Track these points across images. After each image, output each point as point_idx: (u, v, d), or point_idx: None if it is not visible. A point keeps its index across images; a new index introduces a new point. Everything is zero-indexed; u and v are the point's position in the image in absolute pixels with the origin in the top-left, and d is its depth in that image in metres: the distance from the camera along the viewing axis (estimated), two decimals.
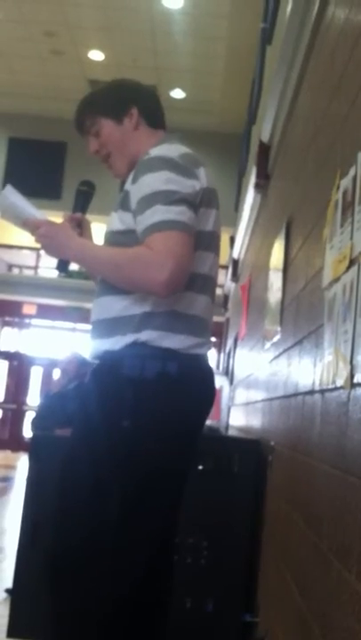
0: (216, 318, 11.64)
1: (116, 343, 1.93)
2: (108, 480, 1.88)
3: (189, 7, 9.69)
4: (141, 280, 1.86)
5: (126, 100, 2.16)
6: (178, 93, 12.35)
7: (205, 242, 1.99)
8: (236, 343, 7.27)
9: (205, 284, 2.02)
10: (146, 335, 1.90)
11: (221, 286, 11.29)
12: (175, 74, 11.71)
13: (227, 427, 7.40)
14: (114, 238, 2.01)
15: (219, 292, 12.76)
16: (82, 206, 2.21)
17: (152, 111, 2.19)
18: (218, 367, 11.70)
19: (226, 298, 11.37)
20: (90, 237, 2.18)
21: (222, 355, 11.90)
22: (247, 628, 3.12)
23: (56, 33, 10.73)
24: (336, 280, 1.75)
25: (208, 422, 7.30)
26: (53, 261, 2.17)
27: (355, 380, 1.46)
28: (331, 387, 1.72)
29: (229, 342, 9.23)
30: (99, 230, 2.11)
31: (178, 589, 2.10)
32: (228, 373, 8.47)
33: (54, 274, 13.41)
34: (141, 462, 1.88)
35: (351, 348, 1.50)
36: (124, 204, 1.98)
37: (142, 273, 1.84)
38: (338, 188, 1.84)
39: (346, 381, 1.52)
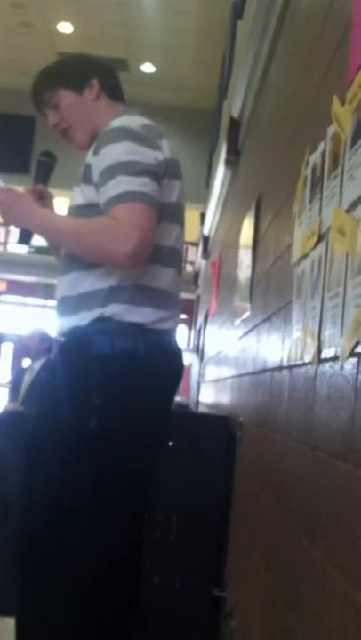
0: (187, 295, 11.66)
1: (82, 319, 1.92)
2: (77, 457, 1.87)
3: None
4: (105, 251, 1.84)
5: (86, 71, 2.14)
6: (148, 67, 12.24)
7: (170, 213, 1.98)
8: (207, 320, 7.28)
9: (171, 256, 2.00)
10: (111, 309, 1.89)
11: (192, 263, 11.29)
12: (146, 48, 11.59)
13: (197, 403, 7.43)
14: (76, 213, 1.99)
15: (189, 268, 12.75)
16: (43, 177, 2.17)
17: (112, 83, 2.17)
18: (188, 344, 11.72)
19: (196, 275, 11.37)
20: (53, 210, 2.15)
21: (193, 332, 11.92)
22: (216, 602, 3.15)
23: (24, 5, 10.56)
24: (305, 256, 1.74)
25: (178, 399, 7.34)
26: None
27: (322, 356, 1.46)
28: (299, 362, 1.72)
29: (200, 319, 9.24)
30: (65, 206, 2.08)
31: (147, 565, 2.11)
32: (199, 350, 8.50)
33: (24, 250, 13.30)
34: (111, 439, 1.87)
35: (319, 324, 1.50)
36: (85, 177, 1.96)
37: (106, 244, 1.83)
38: (307, 163, 1.83)
39: (313, 357, 1.52)
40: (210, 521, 3.27)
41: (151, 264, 1.92)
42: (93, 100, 2.11)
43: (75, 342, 1.95)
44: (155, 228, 1.87)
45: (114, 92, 2.16)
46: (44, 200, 2.14)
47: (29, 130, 12.97)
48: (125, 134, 1.90)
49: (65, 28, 11.28)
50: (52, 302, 2.16)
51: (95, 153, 1.92)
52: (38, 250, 12.97)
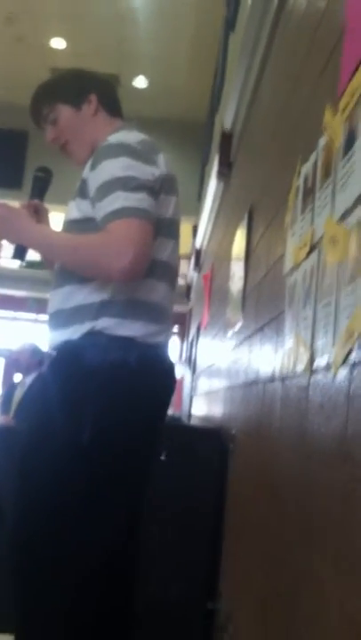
0: (179, 308, 11.65)
1: (74, 332, 1.92)
2: (70, 470, 1.86)
3: None
4: (101, 266, 1.84)
5: (85, 86, 2.15)
6: (141, 82, 12.28)
7: (165, 229, 1.98)
8: (199, 332, 7.28)
9: (165, 271, 2.01)
10: (102, 323, 1.89)
11: (184, 276, 11.30)
12: (138, 62, 11.64)
13: (189, 416, 7.41)
14: (71, 227, 1.99)
15: (182, 281, 12.75)
16: (39, 193, 2.18)
17: (110, 99, 2.18)
18: (181, 357, 11.71)
19: (189, 287, 11.37)
20: (48, 225, 2.16)
21: (185, 344, 11.92)
22: (210, 615, 3.13)
23: (17, 19, 10.58)
24: (297, 267, 1.75)
25: (170, 412, 7.31)
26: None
27: (315, 365, 1.46)
28: (291, 372, 1.72)
29: (192, 332, 9.24)
30: (60, 222, 2.08)
31: (141, 577, 2.10)
32: (191, 363, 8.49)
33: (15, 264, 13.29)
34: (103, 452, 1.87)
35: (311, 334, 1.50)
36: (81, 192, 1.96)
37: (102, 259, 1.83)
38: (299, 174, 1.84)
39: (306, 366, 1.52)
40: (204, 533, 3.25)
41: (146, 278, 1.92)
42: (91, 115, 2.12)
43: (66, 356, 1.95)
44: (151, 243, 1.87)
45: (112, 107, 2.17)
46: (40, 215, 2.14)
47: (22, 145, 12.97)
48: (122, 150, 1.90)
49: (58, 43, 11.32)
50: (44, 317, 2.15)
51: (92, 168, 1.93)
52: (30, 264, 12.96)
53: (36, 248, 2.04)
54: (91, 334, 1.89)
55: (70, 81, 2.19)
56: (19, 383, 5.96)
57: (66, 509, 1.85)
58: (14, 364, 6.05)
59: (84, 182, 1.96)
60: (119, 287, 1.89)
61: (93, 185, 1.90)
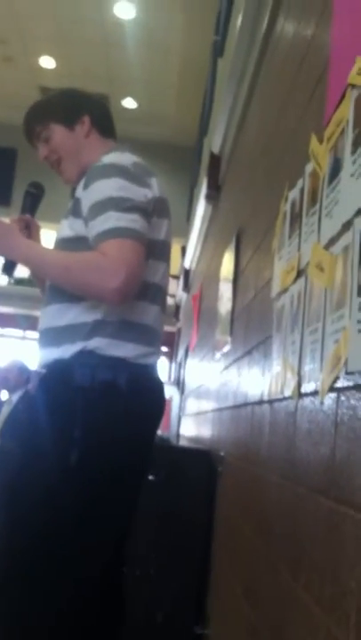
0: (167, 328, 11.64)
1: (65, 351, 1.91)
2: (59, 490, 1.85)
3: (142, 18, 9.71)
4: (93, 286, 1.84)
5: (78, 107, 2.16)
6: (130, 103, 12.36)
7: (157, 251, 1.99)
8: (188, 353, 7.28)
9: (157, 293, 2.01)
10: (94, 343, 1.89)
11: (173, 296, 11.31)
12: (127, 83, 11.71)
13: (178, 437, 7.39)
14: (63, 245, 1.99)
15: (170, 302, 12.77)
16: (30, 208, 2.18)
17: (103, 120, 2.20)
18: (169, 377, 11.69)
19: (177, 308, 11.38)
20: (39, 241, 2.16)
21: (173, 365, 11.91)
22: (197, 639, 3.11)
23: (7, 39, 10.65)
24: (284, 291, 1.76)
25: (159, 432, 7.24)
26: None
27: (302, 390, 1.47)
28: (279, 397, 1.73)
29: (180, 352, 9.23)
30: (50, 239, 2.08)
31: (128, 601, 2.09)
32: (179, 383, 8.48)
33: (4, 281, 13.26)
34: (92, 472, 1.86)
35: (299, 359, 1.51)
36: (74, 211, 1.97)
37: (94, 278, 1.83)
38: (286, 199, 1.85)
39: (294, 391, 1.53)
40: (191, 556, 3.24)
41: (138, 300, 1.93)
42: (84, 136, 2.14)
43: (56, 374, 1.94)
44: (143, 264, 1.87)
45: (105, 128, 2.19)
46: (31, 231, 2.15)
47: (11, 162, 13.01)
48: (116, 171, 1.91)
49: (47, 62, 11.39)
50: (32, 334, 2.15)
51: (85, 187, 1.93)
52: (18, 281, 12.95)
53: (25, 264, 2.03)
54: (82, 354, 1.89)
55: (64, 101, 2.20)
56: (5, 401, 5.93)
57: (54, 528, 1.84)
58: (2, 381, 6.02)
59: (76, 201, 1.97)
60: (112, 308, 1.90)
61: (86, 204, 1.91)
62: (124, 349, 1.90)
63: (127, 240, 1.81)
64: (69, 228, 1.98)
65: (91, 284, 1.84)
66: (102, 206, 1.85)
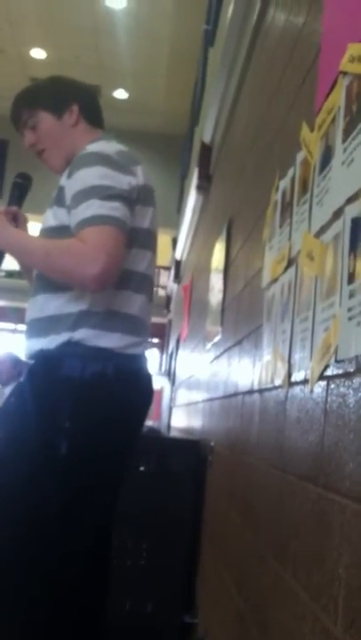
0: (159, 319, 11.65)
1: (51, 342, 1.91)
2: (46, 480, 1.85)
3: (133, 8, 9.68)
4: (72, 272, 1.84)
5: (67, 95, 2.14)
6: (121, 94, 12.33)
7: (142, 239, 1.98)
8: (178, 344, 7.28)
9: (142, 282, 2.01)
10: (80, 334, 1.89)
11: (164, 287, 11.30)
12: (118, 74, 11.68)
13: (168, 427, 7.40)
14: (47, 235, 1.98)
15: (162, 293, 12.76)
16: (17, 199, 2.17)
17: (92, 109, 2.18)
18: (160, 368, 11.69)
19: (168, 299, 11.38)
20: (26, 232, 2.15)
21: (164, 356, 11.91)
22: (187, 628, 3.12)
23: None
24: (275, 280, 1.76)
25: (149, 423, 7.27)
26: None
27: (292, 379, 1.47)
28: (269, 386, 1.73)
29: (172, 343, 9.24)
30: (37, 229, 2.07)
31: (117, 591, 2.09)
32: (170, 374, 8.48)
33: None
34: (81, 462, 1.86)
35: (289, 348, 1.51)
36: (58, 200, 1.96)
37: (73, 265, 1.82)
38: (277, 188, 1.85)
39: (284, 380, 1.53)
40: (181, 545, 3.25)
41: (122, 290, 1.92)
42: (72, 125, 2.12)
43: (44, 365, 1.94)
44: (123, 252, 1.87)
45: (93, 118, 2.17)
46: (18, 222, 2.14)
47: (2, 153, 12.97)
48: (100, 159, 1.91)
49: (38, 53, 11.34)
50: (23, 327, 2.14)
51: (69, 176, 1.93)
52: (9, 274, 12.92)
53: (11, 252, 2.03)
54: (68, 345, 1.89)
55: (53, 89, 2.18)
56: None
57: (39, 519, 1.84)
58: None
59: (60, 190, 1.96)
60: (97, 298, 1.89)
61: (70, 193, 1.90)
62: (111, 340, 1.90)
63: (107, 227, 1.81)
64: (53, 217, 1.97)
65: (69, 270, 1.84)
66: (85, 194, 1.85)
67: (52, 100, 2.12)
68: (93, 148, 1.96)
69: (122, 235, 1.84)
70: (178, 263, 8.62)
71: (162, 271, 13.27)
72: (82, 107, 2.14)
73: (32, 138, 2.13)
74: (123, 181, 1.89)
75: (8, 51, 11.24)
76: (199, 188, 4.99)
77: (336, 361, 1.13)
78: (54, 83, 2.22)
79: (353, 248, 1.10)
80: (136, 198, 1.94)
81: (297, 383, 1.43)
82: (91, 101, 2.20)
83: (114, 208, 1.84)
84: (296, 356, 1.45)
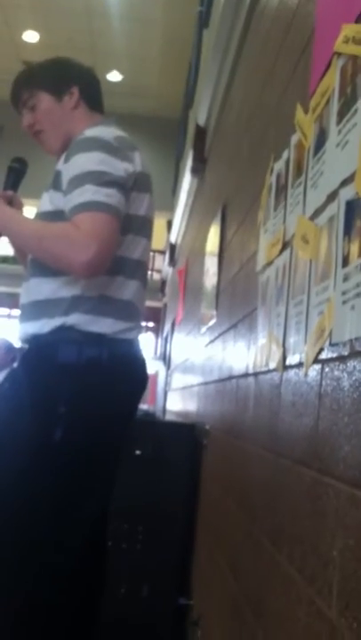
0: (154, 303, 11.64)
1: (43, 326, 1.91)
2: (41, 466, 1.85)
3: None
4: (63, 257, 1.83)
5: (68, 78, 2.12)
6: (115, 76, 12.25)
7: (137, 226, 1.98)
8: (174, 328, 7.28)
9: (137, 269, 2.00)
10: (74, 319, 1.88)
11: (159, 271, 11.28)
12: (112, 56, 11.60)
13: (164, 411, 7.41)
14: (44, 219, 1.98)
15: (156, 277, 12.74)
16: (13, 183, 2.15)
17: (92, 93, 2.16)
18: (155, 352, 11.70)
19: (163, 283, 11.36)
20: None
21: (160, 340, 11.91)
22: (182, 611, 3.14)
23: None
24: (269, 264, 1.75)
25: (145, 407, 7.28)
26: None
27: (287, 363, 1.47)
28: (264, 369, 1.73)
29: (167, 327, 9.24)
30: (33, 213, 2.06)
31: (113, 575, 2.10)
32: (166, 358, 8.49)
33: None
34: (76, 448, 1.86)
35: (284, 331, 1.51)
36: (55, 184, 1.95)
37: (65, 250, 1.82)
38: (272, 171, 1.84)
39: (278, 364, 1.53)
40: (176, 530, 3.26)
41: (116, 275, 1.92)
42: (72, 108, 2.10)
43: (39, 350, 1.94)
44: (116, 239, 1.86)
45: (93, 101, 2.15)
46: (13, 207, 2.12)
47: None
48: (97, 144, 1.89)
49: (31, 36, 11.25)
50: (17, 312, 2.13)
51: (66, 160, 1.92)
52: (3, 259, 12.88)
53: (5, 233, 2.02)
54: (62, 330, 1.88)
55: (54, 70, 2.16)
56: None
57: (34, 506, 1.84)
58: None
59: (57, 174, 1.95)
60: (90, 283, 1.89)
61: (66, 177, 1.89)
62: (104, 325, 1.90)
63: (101, 214, 1.80)
64: (49, 201, 1.96)
65: (61, 255, 1.83)
66: (81, 179, 1.84)
67: (52, 82, 2.11)
68: (91, 132, 1.94)
69: (115, 222, 1.83)
70: (173, 247, 8.60)
71: (157, 255, 13.26)
72: (82, 90, 2.12)
73: (30, 118, 2.12)
74: (119, 168, 1.88)
75: (0, 34, 11.14)
76: (194, 170, 4.96)
77: (331, 344, 1.13)
78: (56, 64, 2.20)
79: (347, 231, 1.10)
80: (132, 185, 1.93)
81: (292, 367, 1.43)
82: (92, 85, 2.18)
83: (109, 195, 1.83)
84: (291, 340, 1.44)
